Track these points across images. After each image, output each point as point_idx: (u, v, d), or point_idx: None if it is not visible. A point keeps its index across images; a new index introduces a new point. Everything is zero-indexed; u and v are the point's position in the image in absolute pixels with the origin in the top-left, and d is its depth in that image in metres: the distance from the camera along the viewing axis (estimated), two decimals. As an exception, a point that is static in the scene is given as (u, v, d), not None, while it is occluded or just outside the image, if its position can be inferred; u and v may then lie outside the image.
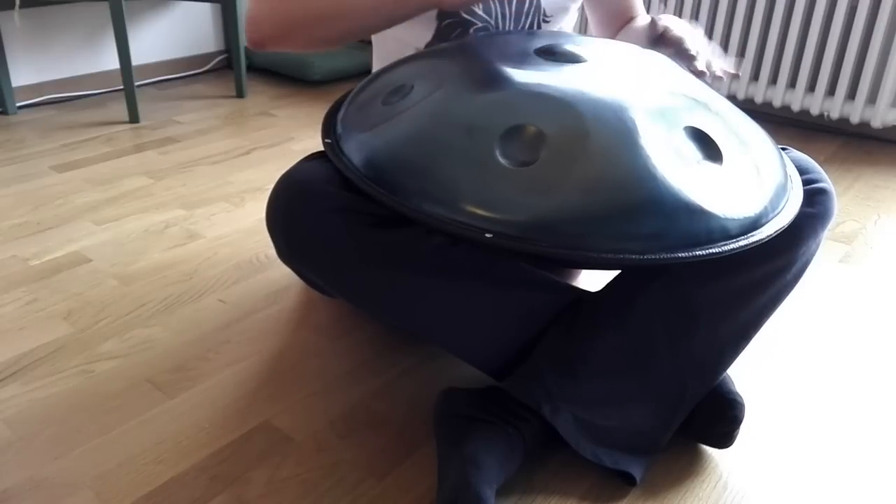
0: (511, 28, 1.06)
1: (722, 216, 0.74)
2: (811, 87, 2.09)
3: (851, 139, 2.10)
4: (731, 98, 2.19)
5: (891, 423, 0.98)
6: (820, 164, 0.94)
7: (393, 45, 1.10)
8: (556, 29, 1.11)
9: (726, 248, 0.73)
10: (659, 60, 0.90)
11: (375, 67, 1.19)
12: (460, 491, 0.76)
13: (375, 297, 0.86)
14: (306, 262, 0.88)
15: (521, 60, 0.84)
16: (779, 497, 0.86)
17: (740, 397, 0.89)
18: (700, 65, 0.93)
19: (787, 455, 0.92)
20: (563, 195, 0.72)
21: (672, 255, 0.72)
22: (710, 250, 0.73)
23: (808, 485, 0.88)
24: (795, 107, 2.09)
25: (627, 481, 0.86)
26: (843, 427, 0.97)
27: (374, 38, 1.15)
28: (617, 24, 1.20)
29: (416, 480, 0.86)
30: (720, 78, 0.94)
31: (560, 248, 0.71)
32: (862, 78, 1.98)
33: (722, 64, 0.96)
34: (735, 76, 0.96)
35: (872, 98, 2.01)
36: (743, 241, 0.75)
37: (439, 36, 1.04)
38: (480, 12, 1.03)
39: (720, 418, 0.88)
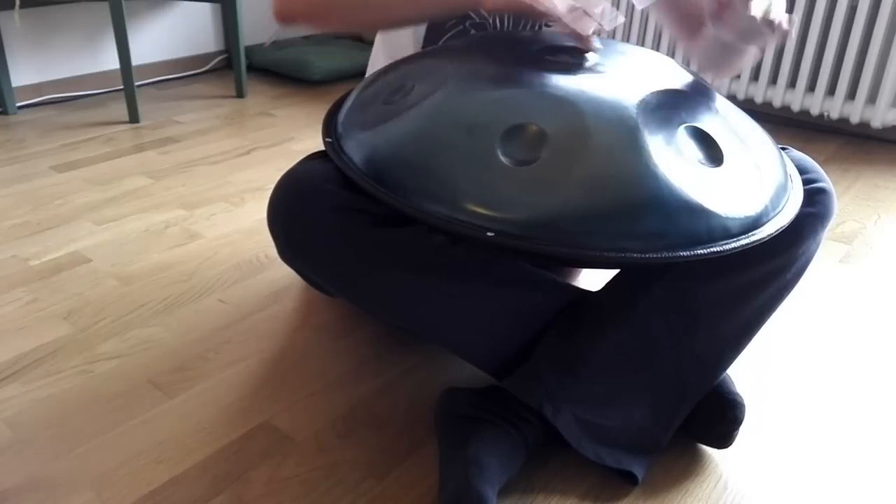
0: (510, 29, 1.05)
1: (723, 215, 0.74)
2: (811, 87, 2.09)
3: (851, 139, 2.10)
4: (731, 98, 2.19)
5: (891, 423, 0.98)
6: (820, 164, 0.94)
7: (391, 35, 1.10)
8: None
9: (727, 247, 0.73)
10: (661, 60, 0.90)
11: (373, 59, 1.18)
12: (462, 491, 0.76)
13: (375, 297, 0.86)
14: (307, 261, 0.88)
15: (522, 59, 0.84)
16: (778, 497, 0.86)
17: (741, 397, 0.89)
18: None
19: (786, 455, 0.92)
20: (565, 194, 0.72)
21: (673, 254, 0.72)
22: (712, 249, 0.73)
23: (807, 485, 0.88)
24: (795, 107, 2.10)
25: (629, 480, 0.86)
26: (843, 427, 0.97)
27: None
28: (695, 25, 1.03)
29: (416, 480, 0.86)
30: (784, 32, 0.82)
31: (561, 247, 0.71)
32: (862, 78, 1.98)
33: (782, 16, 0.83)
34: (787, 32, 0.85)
35: (872, 98, 2.01)
36: (744, 240, 0.75)
37: (433, 27, 1.04)
38: (482, 10, 1.02)
39: (720, 418, 0.88)
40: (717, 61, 1.01)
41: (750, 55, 0.98)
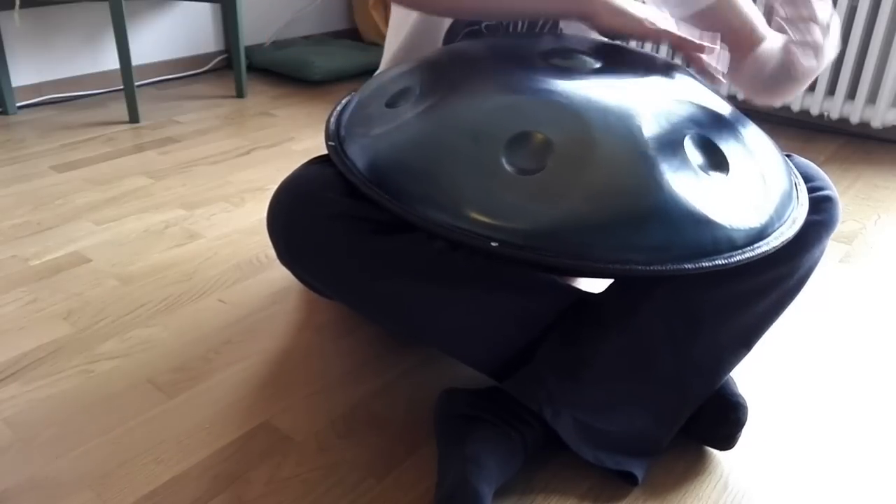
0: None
1: (728, 226, 0.73)
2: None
3: (851, 139, 2.10)
4: (732, 98, 2.19)
5: (891, 424, 0.98)
6: (820, 165, 0.94)
7: (407, 35, 1.09)
8: None
9: (732, 259, 0.73)
10: (668, 66, 0.89)
11: (387, 53, 1.18)
12: (458, 488, 0.76)
13: (375, 303, 0.86)
14: (306, 268, 0.88)
15: (528, 66, 0.84)
16: (779, 497, 0.86)
17: (743, 399, 0.89)
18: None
19: (787, 455, 0.92)
20: (570, 204, 0.71)
21: (678, 266, 0.71)
22: (716, 261, 0.72)
23: (808, 485, 0.88)
24: (795, 107, 2.10)
25: (629, 481, 0.86)
26: (844, 427, 0.97)
27: (390, 24, 1.14)
28: (739, 53, 1.00)
29: (416, 480, 0.86)
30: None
31: (565, 258, 0.71)
32: (862, 78, 1.98)
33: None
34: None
35: (872, 98, 2.01)
36: (749, 253, 0.74)
37: (452, 29, 1.04)
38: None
39: (723, 420, 0.88)
40: (763, 88, 0.97)
41: (799, 84, 0.94)
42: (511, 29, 1.04)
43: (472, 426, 0.84)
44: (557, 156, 0.73)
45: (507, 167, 0.73)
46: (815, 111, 2.07)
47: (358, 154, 0.82)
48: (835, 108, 2.03)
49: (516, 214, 0.71)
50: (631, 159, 0.73)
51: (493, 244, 0.71)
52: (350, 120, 0.88)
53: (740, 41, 0.99)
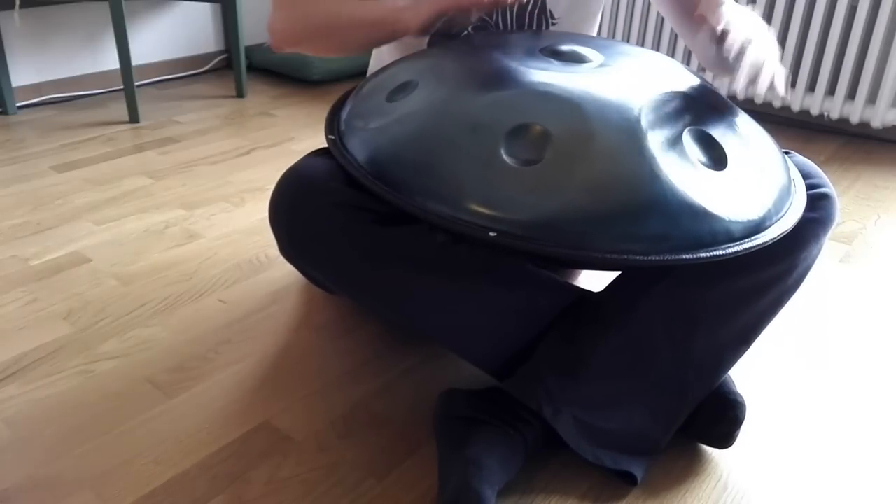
0: (514, 29, 1.05)
1: (726, 219, 0.74)
2: (811, 87, 2.09)
3: (851, 139, 2.10)
4: (732, 98, 2.19)
5: (891, 423, 0.98)
6: (820, 165, 0.94)
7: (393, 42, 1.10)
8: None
9: (730, 250, 0.73)
10: (666, 61, 0.89)
11: (373, 64, 1.19)
12: (461, 491, 0.76)
13: (376, 294, 0.86)
14: (308, 258, 0.88)
15: (527, 59, 0.84)
16: (778, 497, 0.86)
17: (741, 397, 0.89)
18: (761, 82, 0.83)
19: (786, 455, 0.92)
20: (568, 195, 0.72)
21: (675, 256, 0.71)
22: (714, 252, 0.72)
23: (808, 484, 0.88)
24: (795, 107, 2.10)
25: (628, 481, 0.86)
26: (843, 427, 0.97)
27: None
28: (695, 16, 0.94)
29: (416, 480, 0.86)
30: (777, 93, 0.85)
31: (563, 248, 0.71)
32: (862, 78, 1.99)
33: (779, 82, 0.86)
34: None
35: (872, 98, 2.01)
36: (746, 244, 0.74)
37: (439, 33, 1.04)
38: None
39: (721, 419, 0.88)
40: (716, 62, 1.00)
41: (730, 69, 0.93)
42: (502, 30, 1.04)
43: (472, 428, 0.84)
44: (556, 147, 0.73)
45: (507, 159, 0.73)
46: (815, 111, 2.07)
47: (358, 147, 0.82)
48: (835, 108, 2.04)
49: (516, 205, 0.72)
50: (629, 151, 0.73)
51: (491, 234, 0.71)
52: (350, 114, 0.88)
53: (691, 5, 1.00)
